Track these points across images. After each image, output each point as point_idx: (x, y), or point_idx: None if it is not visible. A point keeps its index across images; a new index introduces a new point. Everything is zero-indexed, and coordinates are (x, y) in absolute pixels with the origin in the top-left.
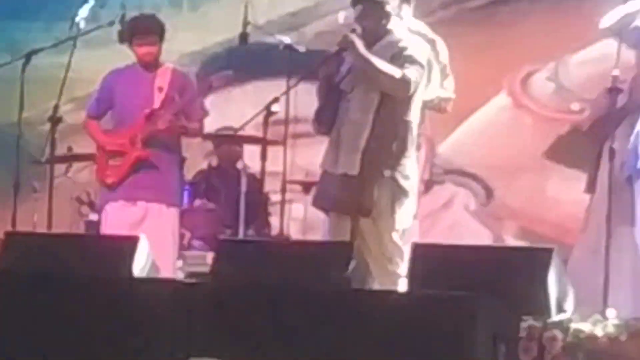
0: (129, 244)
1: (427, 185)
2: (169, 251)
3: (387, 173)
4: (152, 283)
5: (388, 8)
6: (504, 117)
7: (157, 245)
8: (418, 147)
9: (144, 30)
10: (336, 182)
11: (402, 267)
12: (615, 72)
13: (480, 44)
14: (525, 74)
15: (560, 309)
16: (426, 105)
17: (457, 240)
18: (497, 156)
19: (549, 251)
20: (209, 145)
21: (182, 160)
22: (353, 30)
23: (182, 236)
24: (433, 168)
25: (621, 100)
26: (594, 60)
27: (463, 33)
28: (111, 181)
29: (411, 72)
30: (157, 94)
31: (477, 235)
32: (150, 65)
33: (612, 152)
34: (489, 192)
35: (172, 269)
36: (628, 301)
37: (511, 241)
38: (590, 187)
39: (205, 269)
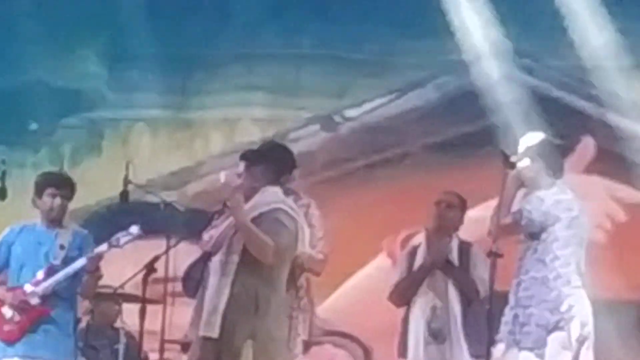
0: None
1: (306, 346)
2: None
3: (248, 335)
4: None
5: (267, 171)
6: (383, 278)
7: None
8: (303, 310)
9: (59, 183)
10: (199, 344)
11: None
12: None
13: (360, 205)
14: (405, 235)
15: None
16: (296, 264)
17: None
18: (376, 318)
19: None
20: (87, 304)
21: (78, 320)
22: (238, 190)
23: None
24: (312, 329)
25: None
26: (477, 220)
27: (343, 194)
28: (10, 337)
29: (282, 239)
30: (59, 251)
31: None
32: (55, 221)
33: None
34: (367, 354)
35: None
36: None
37: None
38: (402, 352)
39: None
